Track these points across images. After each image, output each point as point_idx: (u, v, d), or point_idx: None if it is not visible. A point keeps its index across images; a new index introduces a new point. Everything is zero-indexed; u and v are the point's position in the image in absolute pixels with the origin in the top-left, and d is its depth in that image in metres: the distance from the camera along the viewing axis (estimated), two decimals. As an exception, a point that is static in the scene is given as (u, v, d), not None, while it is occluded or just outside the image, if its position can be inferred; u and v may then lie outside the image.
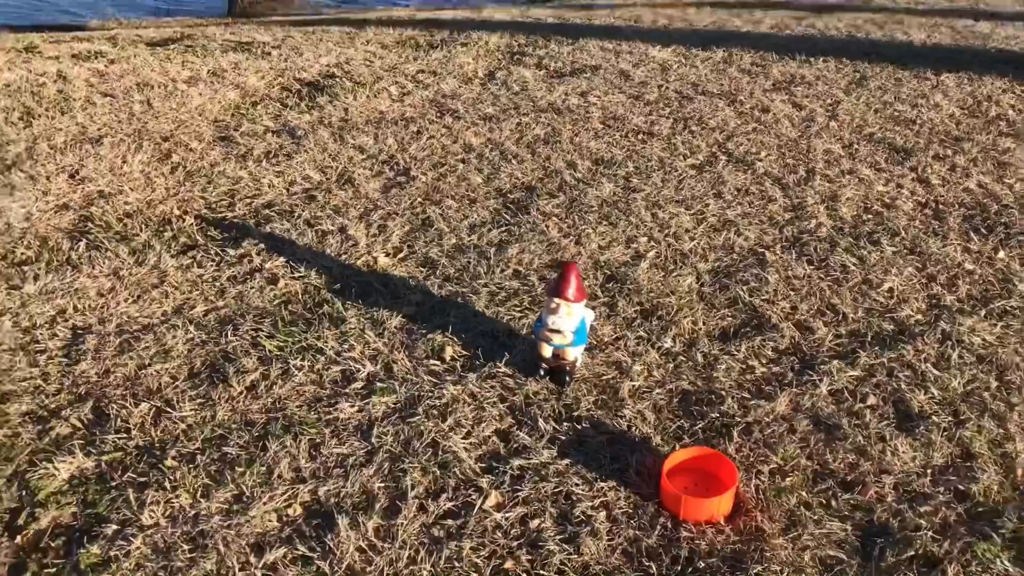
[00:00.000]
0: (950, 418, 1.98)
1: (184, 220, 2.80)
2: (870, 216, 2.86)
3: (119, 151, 3.30)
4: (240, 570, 1.59)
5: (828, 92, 3.96)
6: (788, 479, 1.81)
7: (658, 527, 1.69)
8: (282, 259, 2.57)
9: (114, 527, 1.68)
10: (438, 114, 3.77)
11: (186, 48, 5.15)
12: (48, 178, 3.08)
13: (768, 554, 1.63)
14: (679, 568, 1.61)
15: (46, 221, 2.78)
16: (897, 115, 3.68)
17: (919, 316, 2.34)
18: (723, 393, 2.05)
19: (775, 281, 2.48)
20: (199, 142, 3.42)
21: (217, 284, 2.46)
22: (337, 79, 4.28)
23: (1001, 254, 2.64)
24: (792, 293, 2.43)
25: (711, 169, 3.18)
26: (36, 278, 2.46)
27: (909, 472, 1.83)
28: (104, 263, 2.54)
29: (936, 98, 3.85)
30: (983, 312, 2.36)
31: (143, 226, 2.75)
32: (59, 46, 5.56)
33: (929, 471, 1.84)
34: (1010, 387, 2.08)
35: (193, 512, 1.71)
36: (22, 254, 2.60)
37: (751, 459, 1.86)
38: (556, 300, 1.98)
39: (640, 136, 3.49)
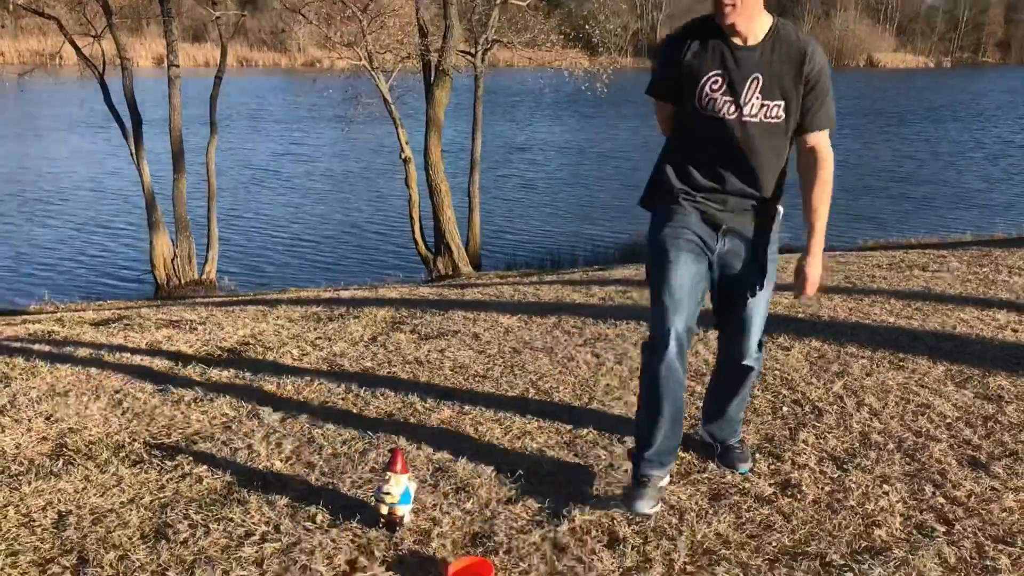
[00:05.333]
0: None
1: (134, 444, 3.86)
2: (627, 426, 4.09)
3: (82, 400, 4.40)
4: None
5: (622, 346, 5.33)
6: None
7: (443, 603, 2.74)
8: (205, 466, 3.64)
9: None
10: (328, 367, 4.99)
11: (125, 326, 6.35)
12: (29, 419, 4.14)
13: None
14: None
15: (32, 448, 3.82)
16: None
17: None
18: (499, 533, 3.15)
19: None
20: (143, 393, 4.53)
21: (159, 483, 3.50)
22: (251, 345, 5.51)
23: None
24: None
25: (523, 399, 4.42)
26: (30, 483, 3.48)
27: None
28: (77, 472, 3.57)
29: (698, 347, 5.25)
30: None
31: (104, 449, 3.81)
32: (15, 327, 6.72)
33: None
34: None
35: None
36: (16, 469, 3.62)
37: (508, 567, 2.94)
38: (388, 473, 3.10)
39: (477, 379, 4.75)
